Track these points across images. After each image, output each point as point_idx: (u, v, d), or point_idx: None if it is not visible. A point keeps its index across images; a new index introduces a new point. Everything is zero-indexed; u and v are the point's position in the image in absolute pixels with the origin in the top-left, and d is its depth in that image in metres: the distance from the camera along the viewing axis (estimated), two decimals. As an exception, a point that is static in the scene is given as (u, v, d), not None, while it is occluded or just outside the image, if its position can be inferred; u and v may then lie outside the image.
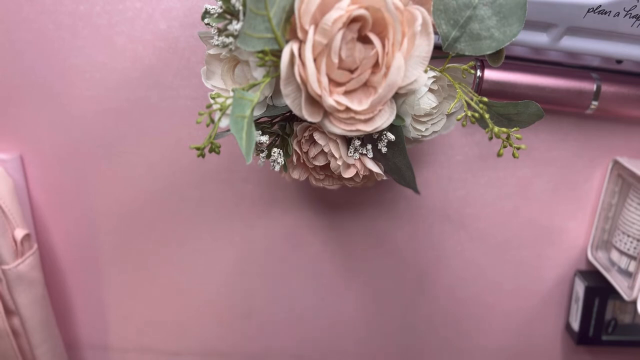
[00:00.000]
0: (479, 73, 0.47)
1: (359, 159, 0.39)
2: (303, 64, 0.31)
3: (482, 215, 0.57)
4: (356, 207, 0.57)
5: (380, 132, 0.37)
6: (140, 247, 0.58)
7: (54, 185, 0.56)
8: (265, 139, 0.36)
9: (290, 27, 0.32)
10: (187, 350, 0.63)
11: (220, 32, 0.34)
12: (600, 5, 0.42)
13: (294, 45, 0.31)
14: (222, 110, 0.32)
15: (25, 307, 0.52)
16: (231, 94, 0.31)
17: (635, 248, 0.51)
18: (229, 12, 0.33)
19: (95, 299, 0.61)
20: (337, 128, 0.34)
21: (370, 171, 0.40)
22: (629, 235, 0.52)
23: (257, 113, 0.37)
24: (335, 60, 0.32)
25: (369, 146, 0.39)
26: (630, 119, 0.52)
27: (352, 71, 0.33)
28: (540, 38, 0.45)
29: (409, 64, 0.33)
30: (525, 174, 0.55)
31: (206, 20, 0.34)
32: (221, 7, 0.33)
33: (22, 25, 0.50)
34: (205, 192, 0.56)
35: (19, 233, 0.51)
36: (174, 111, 0.52)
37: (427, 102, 0.40)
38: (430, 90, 0.40)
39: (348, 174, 0.39)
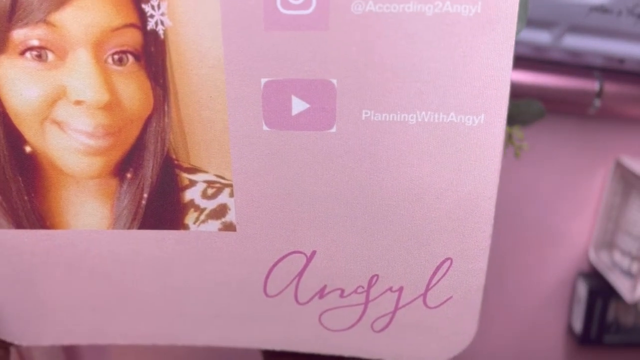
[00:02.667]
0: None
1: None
2: None
3: (482, 215, 0.56)
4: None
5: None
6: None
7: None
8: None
9: None
10: None
11: None
12: (603, 4, 0.42)
13: None
14: None
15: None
16: None
17: (638, 249, 0.50)
18: None
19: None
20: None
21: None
22: (631, 236, 0.51)
23: None
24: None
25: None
26: (633, 118, 0.52)
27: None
28: (542, 36, 0.46)
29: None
30: (527, 174, 0.55)
31: None
32: None
33: None
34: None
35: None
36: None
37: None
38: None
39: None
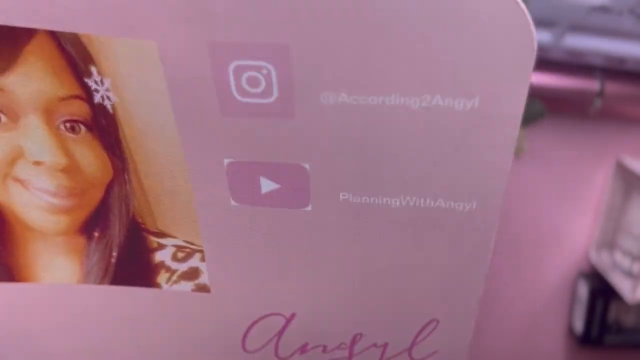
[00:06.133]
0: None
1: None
2: None
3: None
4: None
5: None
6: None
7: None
8: None
9: None
10: None
11: None
12: (604, 4, 0.41)
13: None
14: None
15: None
16: None
17: (639, 249, 0.48)
18: None
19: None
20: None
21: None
22: (632, 236, 0.49)
23: None
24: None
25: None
26: (633, 118, 0.50)
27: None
28: (543, 36, 0.44)
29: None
30: (528, 174, 0.52)
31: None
32: None
33: None
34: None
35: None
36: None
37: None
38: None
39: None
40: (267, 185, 0.21)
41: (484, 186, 0.19)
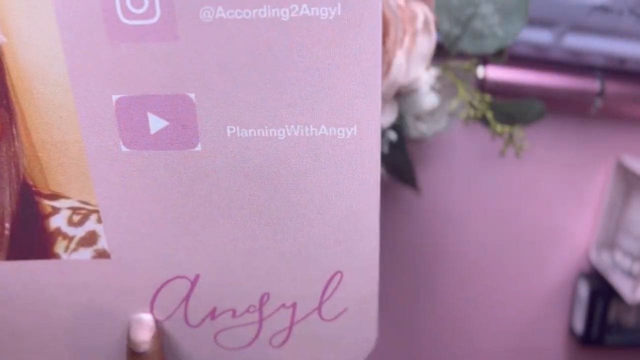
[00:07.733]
0: (482, 71, 0.47)
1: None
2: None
3: (483, 215, 0.55)
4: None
5: (382, 132, 0.36)
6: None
7: None
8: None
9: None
10: None
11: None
12: (604, 4, 0.42)
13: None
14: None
15: None
16: None
17: (639, 249, 0.50)
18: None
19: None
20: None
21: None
22: (633, 236, 0.51)
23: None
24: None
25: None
26: (634, 118, 0.52)
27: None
28: (543, 36, 0.45)
29: (411, 62, 0.33)
30: (528, 174, 0.54)
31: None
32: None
33: None
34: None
35: None
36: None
37: (429, 100, 0.39)
38: (433, 88, 0.39)
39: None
40: (155, 123, 0.21)
41: (360, 106, 0.21)
